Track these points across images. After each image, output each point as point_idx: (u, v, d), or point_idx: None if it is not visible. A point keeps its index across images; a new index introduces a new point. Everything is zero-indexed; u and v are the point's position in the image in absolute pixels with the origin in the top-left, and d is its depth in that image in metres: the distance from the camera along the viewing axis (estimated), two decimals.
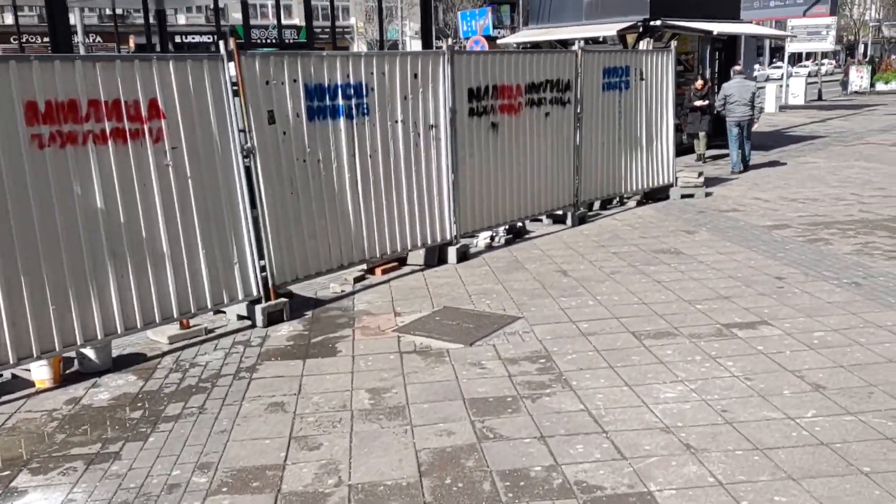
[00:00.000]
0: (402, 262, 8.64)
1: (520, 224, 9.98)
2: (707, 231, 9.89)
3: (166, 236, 6.15)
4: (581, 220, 10.64)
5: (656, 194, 12.31)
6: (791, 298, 6.93)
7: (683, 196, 12.33)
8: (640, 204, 12.00)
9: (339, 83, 7.45)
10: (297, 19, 53.77)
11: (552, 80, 9.92)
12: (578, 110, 10.44)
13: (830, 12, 30.99)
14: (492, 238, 9.63)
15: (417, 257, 8.63)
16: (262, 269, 6.89)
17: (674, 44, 12.05)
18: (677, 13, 17.02)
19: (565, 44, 17.43)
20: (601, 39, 16.52)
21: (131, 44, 49.77)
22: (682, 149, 17.26)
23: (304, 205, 7.23)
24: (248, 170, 6.73)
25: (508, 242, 9.61)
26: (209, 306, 6.49)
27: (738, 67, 16.66)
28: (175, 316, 6.25)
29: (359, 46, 52.46)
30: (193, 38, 52.72)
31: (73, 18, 47.69)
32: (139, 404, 5.24)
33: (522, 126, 9.53)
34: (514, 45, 18.05)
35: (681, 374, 5.34)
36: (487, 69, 8.95)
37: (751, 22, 22.69)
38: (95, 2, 30.03)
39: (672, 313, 6.66)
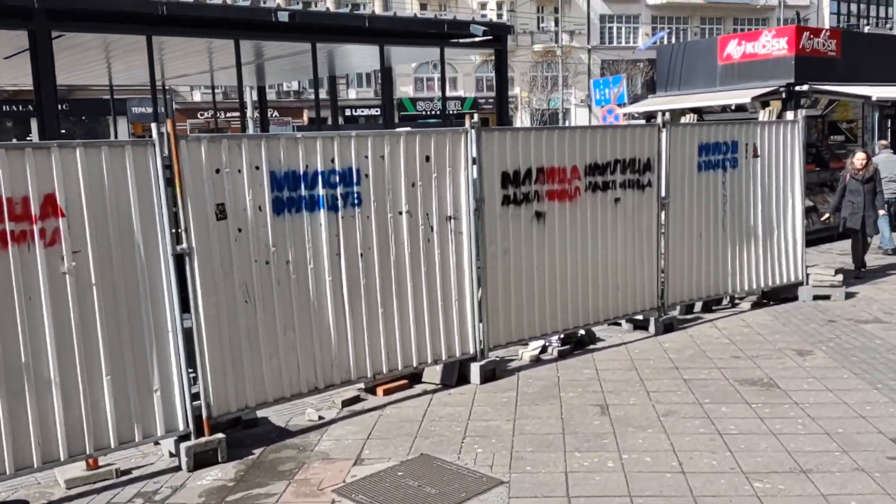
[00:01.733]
0: (416, 378, 7.14)
1: (582, 332, 8.19)
2: (826, 352, 7.64)
3: (55, 359, 5.05)
4: (667, 328, 8.66)
5: (780, 294, 10.04)
6: None
7: (816, 297, 9.97)
8: (755, 306, 9.80)
9: (319, 169, 6.18)
10: (462, 90, 54.18)
11: (624, 160, 8.17)
12: (663, 195, 8.59)
13: None
14: (543, 349, 7.93)
15: (434, 374, 7.10)
16: (196, 396, 5.63)
17: (802, 113, 9.94)
18: (829, 76, 14.62)
19: (700, 113, 15.46)
20: (732, 108, 14.40)
21: (304, 118, 52.19)
22: (818, 237, 14.67)
23: (263, 316, 5.95)
24: (182, 275, 5.56)
25: (563, 355, 7.84)
26: (112, 445, 5.29)
27: (884, 142, 14.25)
28: (62, 458, 5.09)
29: (522, 118, 51.96)
30: (363, 112, 54.32)
31: (251, 95, 50.59)
32: None
33: (581, 214, 7.83)
34: (636, 116, 16.25)
35: None
36: (529, 148, 7.39)
37: None
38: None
39: (712, 496, 4.70)
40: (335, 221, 6.29)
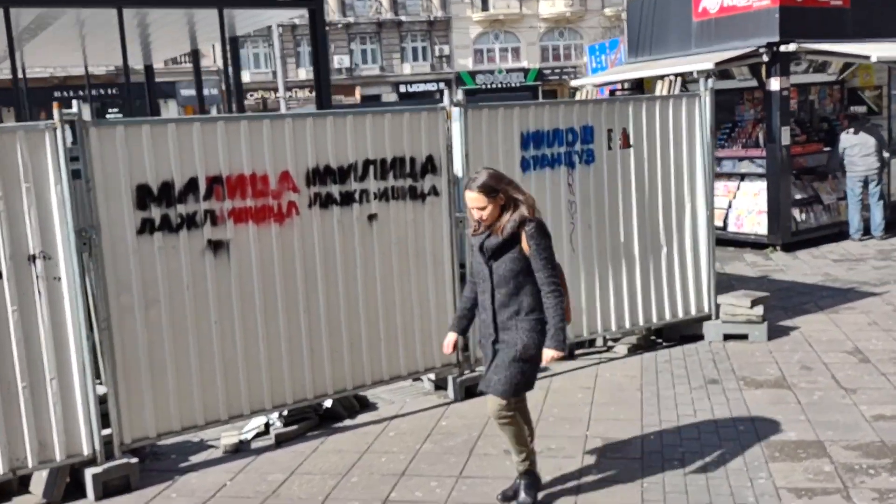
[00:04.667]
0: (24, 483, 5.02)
1: (327, 405, 5.88)
2: (631, 457, 5.09)
3: None
4: (471, 391, 6.22)
5: (683, 331, 7.41)
6: None
7: (729, 337, 7.29)
8: (638, 349, 7.20)
9: None
10: (526, 61, 51.30)
11: (383, 160, 5.76)
12: (460, 206, 6.16)
13: None
14: (266, 427, 5.68)
15: (40, 482, 4.93)
16: None
17: (709, 84, 7.18)
18: (834, 31, 11.52)
19: (684, 82, 12.67)
20: (694, 75, 11.47)
21: (357, 95, 50.54)
22: (819, 236, 11.92)
23: None
24: None
25: (281, 440, 5.51)
26: None
27: (857, 109, 12.27)
28: None
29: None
30: (418, 87, 52.35)
31: (302, 74, 49.23)
32: None
33: (302, 241, 5.48)
34: (592, 88, 13.45)
35: None
36: (192, 149, 5.05)
37: None
38: None
39: None
40: None
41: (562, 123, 6.55)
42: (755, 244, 11.94)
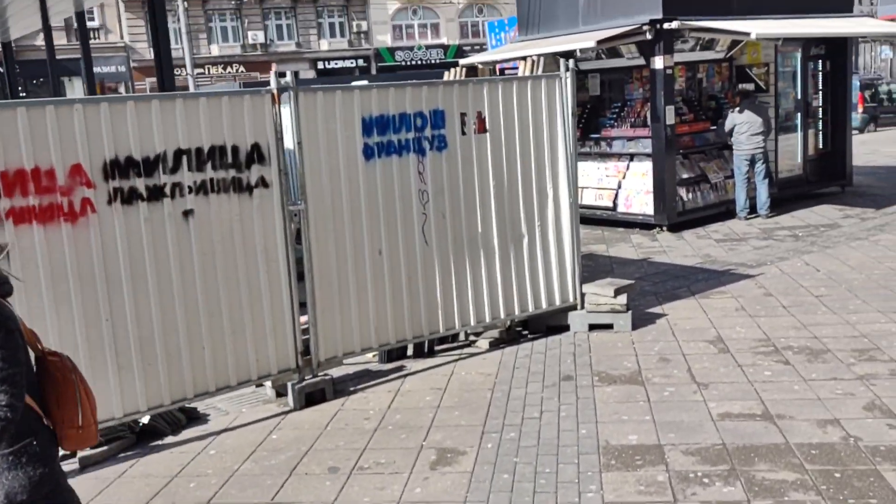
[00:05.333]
0: None
1: (144, 421, 5.35)
2: (461, 464, 4.74)
3: None
4: (312, 397, 5.79)
5: (548, 321, 7.10)
6: None
7: (594, 327, 7.02)
8: (501, 342, 6.87)
9: None
10: (445, 38, 50.64)
11: (199, 149, 5.21)
12: (295, 198, 5.68)
13: None
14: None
15: None
16: None
17: (570, 65, 6.82)
18: (710, 9, 11.34)
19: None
20: (577, 54, 11.15)
21: (272, 71, 49.08)
22: (709, 215, 11.92)
23: None
24: None
25: (88, 464, 5.00)
26: None
27: (747, 86, 12.07)
28: None
29: None
30: (336, 64, 51.24)
31: (215, 50, 47.52)
32: None
33: (102, 240, 4.90)
34: (482, 67, 13.04)
35: None
36: None
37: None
38: None
39: None
40: None
41: (409, 107, 6.10)
42: (643, 225, 11.79)
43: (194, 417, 5.67)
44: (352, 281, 5.94)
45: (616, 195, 12.24)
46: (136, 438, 5.32)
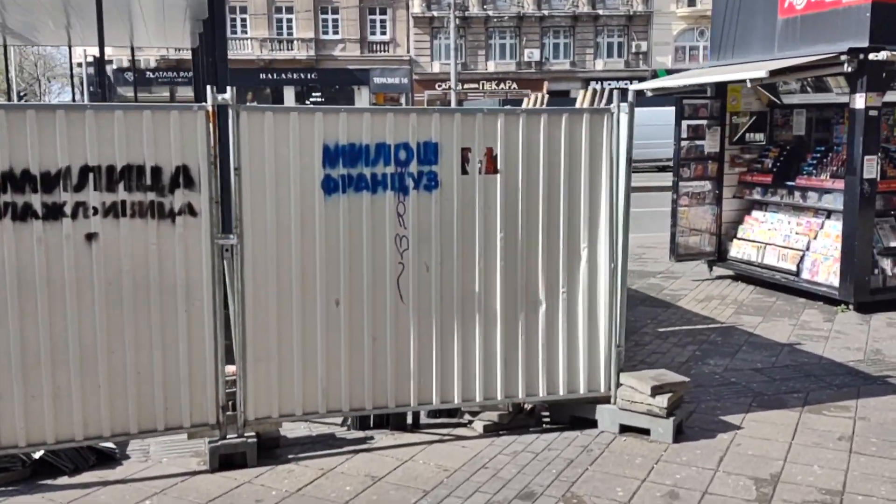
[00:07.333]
0: None
1: (37, 456, 4.92)
2: None
3: None
4: (232, 460, 5.02)
5: (573, 412, 5.69)
6: None
7: (626, 429, 5.49)
8: (495, 429, 5.59)
9: None
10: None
11: (113, 168, 4.66)
12: (224, 231, 4.94)
13: None
14: None
15: None
16: None
17: (628, 97, 5.26)
18: None
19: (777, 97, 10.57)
20: (747, 85, 9.16)
21: (544, 90, 49.25)
22: None
23: None
24: None
25: None
26: None
27: None
28: None
29: None
30: (609, 84, 50.49)
31: (491, 66, 48.97)
32: None
33: None
34: (649, 94, 11.36)
35: None
36: None
37: None
38: None
39: None
40: None
41: (389, 138, 5.11)
42: (827, 298, 9.51)
43: (108, 458, 5.17)
44: (296, 331, 5.09)
45: (802, 258, 10.05)
46: (29, 472, 4.92)
